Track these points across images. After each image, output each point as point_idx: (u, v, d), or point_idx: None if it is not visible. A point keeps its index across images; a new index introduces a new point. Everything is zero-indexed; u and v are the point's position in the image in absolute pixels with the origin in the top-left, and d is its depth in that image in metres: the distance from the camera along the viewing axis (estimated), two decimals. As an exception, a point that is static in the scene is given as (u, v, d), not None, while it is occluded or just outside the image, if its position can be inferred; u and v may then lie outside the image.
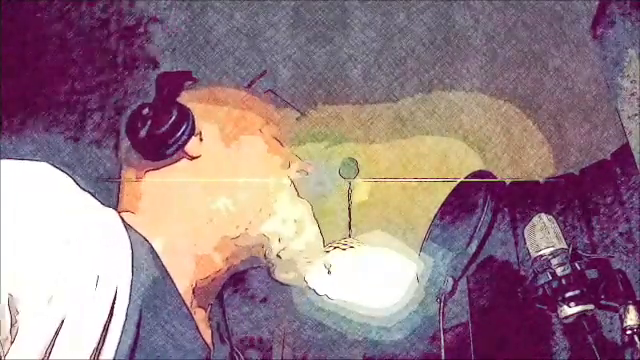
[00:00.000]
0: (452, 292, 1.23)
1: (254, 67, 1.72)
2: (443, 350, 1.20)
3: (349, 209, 1.94)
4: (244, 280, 2.03)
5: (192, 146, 0.95)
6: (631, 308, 1.10)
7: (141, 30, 1.66)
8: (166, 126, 0.92)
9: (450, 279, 1.23)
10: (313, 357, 2.12)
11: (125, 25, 1.64)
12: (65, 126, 1.73)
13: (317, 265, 1.87)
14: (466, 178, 1.34)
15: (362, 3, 1.66)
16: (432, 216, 1.36)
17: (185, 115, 0.94)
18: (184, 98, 0.99)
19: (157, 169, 0.95)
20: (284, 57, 1.73)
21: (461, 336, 1.93)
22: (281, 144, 1.04)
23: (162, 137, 0.92)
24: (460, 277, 1.25)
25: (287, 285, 1.03)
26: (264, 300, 2.08)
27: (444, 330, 1.20)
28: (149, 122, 0.93)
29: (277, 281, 1.01)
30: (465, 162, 1.94)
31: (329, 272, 1.84)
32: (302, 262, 1.00)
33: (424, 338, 2.08)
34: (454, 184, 1.36)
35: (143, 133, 0.93)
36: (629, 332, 1.09)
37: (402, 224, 2.06)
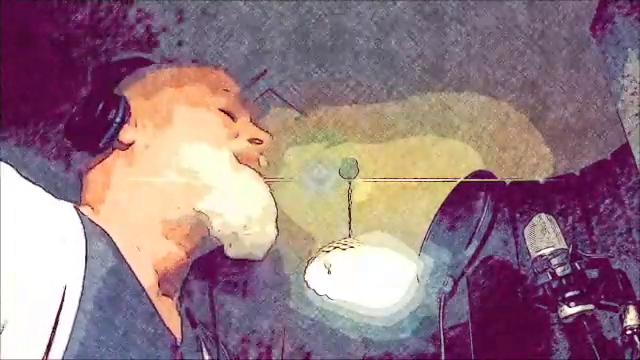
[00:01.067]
0: (452, 292, 1.23)
1: (254, 67, 1.72)
2: (443, 350, 1.20)
3: (349, 209, 1.94)
4: (244, 280, 2.03)
5: (125, 132, 0.95)
6: (631, 308, 1.11)
7: (141, 30, 1.66)
8: (95, 115, 0.93)
9: (450, 279, 1.23)
10: (313, 357, 2.12)
11: (125, 26, 1.64)
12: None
13: (317, 265, 1.87)
14: (466, 178, 1.34)
15: (362, 3, 1.66)
16: (432, 216, 1.36)
17: (115, 103, 0.95)
18: (126, 88, 0.99)
19: (100, 162, 0.96)
20: (284, 57, 1.73)
21: (461, 336, 1.93)
22: (230, 115, 1.02)
23: (93, 127, 0.93)
24: (460, 277, 1.25)
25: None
26: (264, 300, 2.08)
27: (444, 330, 1.20)
28: (78, 117, 0.94)
29: (229, 258, 0.98)
30: (465, 162, 1.94)
31: (329, 272, 1.84)
32: (244, 235, 0.95)
33: (424, 338, 2.08)
34: (454, 184, 1.36)
35: (75, 128, 0.94)
36: (629, 332, 1.09)
37: (402, 224, 2.06)
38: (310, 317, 2.10)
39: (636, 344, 1.08)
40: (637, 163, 1.42)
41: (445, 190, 1.39)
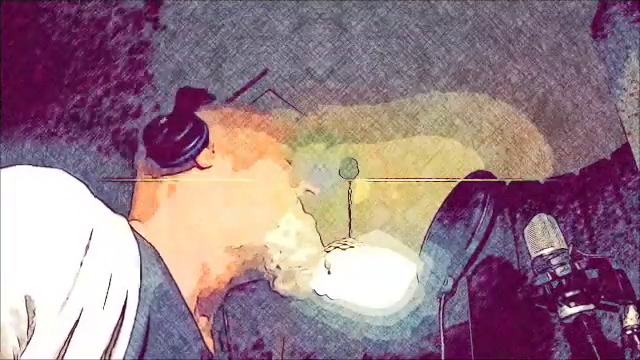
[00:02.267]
0: (452, 292, 1.23)
1: (254, 67, 1.72)
2: (443, 350, 1.20)
3: (349, 209, 1.94)
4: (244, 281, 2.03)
5: (204, 157, 1.00)
6: (631, 308, 1.10)
7: (142, 32, 1.66)
8: (180, 136, 0.98)
9: (450, 279, 1.23)
10: (313, 357, 2.12)
11: (127, 28, 1.64)
12: (68, 130, 1.73)
13: (317, 269, 1.87)
14: (466, 178, 1.34)
15: (362, 3, 1.66)
16: (432, 216, 1.36)
17: (200, 128, 1.00)
18: (204, 114, 1.04)
19: (170, 175, 1.00)
20: (284, 57, 1.73)
21: (461, 336, 1.93)
22: (289, 162, 1.10)
23: (176, 146, 0.98)
24: (460, 277, 1.25)
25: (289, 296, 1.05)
26: (264, 300, 2.08)
27: (444, 330, 1.20)
28: (165, 131, 0.99)
29: (277, 292, 1.04)
30: (465, 162, 1.94)
31: (329, 272, 1.84)
32: (300, 274, 1.02)
33: (424, 338, 2.08)
34: (454, 184, 1.36)
35: (158, 141, 0.99)
36: (629, 332, 1.09)
37: (402, 224, 2.06)
38: (310, 317, 2.10)
39: (636, 344, 1.08)
40: (637, 163, 1.42)
41: (445, 190, 1.38)
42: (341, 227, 2.01)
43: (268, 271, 1.01)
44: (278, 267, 1.01)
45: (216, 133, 1.02)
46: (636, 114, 1.43)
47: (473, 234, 1.23)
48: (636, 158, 1.42)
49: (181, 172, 0.99)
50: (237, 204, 1.00)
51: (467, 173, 1.37)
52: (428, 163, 1.97)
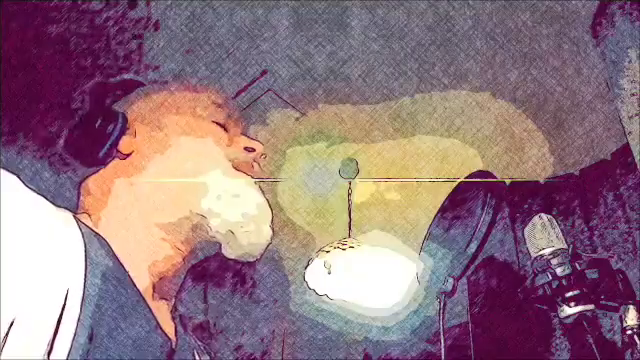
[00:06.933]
0: (452, 292, 1.23)
1: (254, 67, 1.72)
2: (443, 350, 1.20)
3: (349, 209, 1.94)
4: (244, 281, 2.03)
5: (124, 143, 1.00)
6: (631, 308, 1.10)
7: (141, 31, 1.66)
8: (94, 129, 0.99)
9: (450, 279, 1.23)
10: (313, 357, 2.12)
11: (125, 26, 1.64)
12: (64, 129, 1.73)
13: (317, 265, 1.87)
14: (466, 178, 1.34)
15: (362, 3, 1.66)
16: (432, 216, 1.36)
17: (113, 116, 1.01)
18: (125, 106, 1.06)
19: (96, 172, 1.01)
20: (284, 57, 1.73)
21: (461, 336, 1.93)
22: (223, 127, 1.07)
23: (92, 140, 0.99)
24: (460, 277, 1.25)
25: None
26: (264, 300, 2.08)
27: (444, 330, 1.20)
28: (77, 131, 1.01)
29: (228, 259, 1.02)
30: (465, 162, 1.94)
31: (329, 272, 1.84)
32: (240, 233, 1.00)
33: (424, 338, 2.08)
34: (454, 184, 1.36)
35: (76, 142, 1.01)
36: (629, 332, 1.09)
37: (402, 224, 2.06)
38: (310, 317, 2.10)
39: (636, 344, 1.08)
40: (637, 163, 1.42)
41: (445, 190, 1.38)
42: (341, 227, 2.01)
43: (212, 240, 0.99)
44: (218, 232, 0.99)
45: (136, 115, 1.03)
46: (636, 114, 1.43)
47: (473, 234, 1.23)
48: (636, 158, 1.42)
49: (108, 164, 1.00)
50: (165, 178, 0.99)
51: (467, 173, 1.37)
52: (428, 163, 1.97)
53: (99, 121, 1.00)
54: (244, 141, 1.10)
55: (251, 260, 1.04)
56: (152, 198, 0.98)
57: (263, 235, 1.02)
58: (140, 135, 1.02)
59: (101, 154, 0.99)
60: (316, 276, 1.85)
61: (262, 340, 2.08)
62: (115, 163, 1.01)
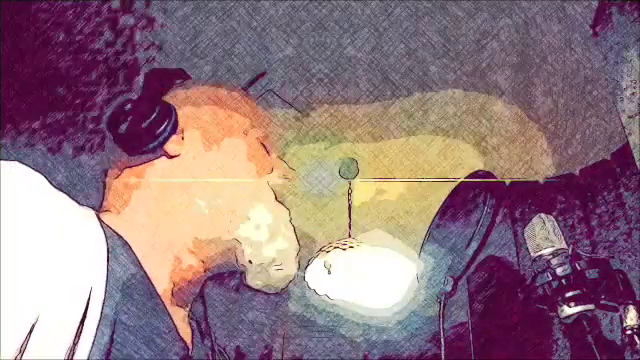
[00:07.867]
0: (452, 292, 1.23)
1: (254, 67, 1.72)
2: (443, 350, 1.20)
3: (349, 209, 1.94)
4: (244, 281, 2.03)
5: (172, 144, 0.95)
6: (631, 308, 1.10)
7: (140, 30, 1.66)
8: (147, 122, 0.93)
9: (450, 279, 1.23)
10: (313, 357, 2.12)
11: (124, 25, 1.64)
12: (64, 129, 1.73)
13: (317, 265, 1.87)
14: (466, 178, 1.34)
15: (362, 3, 1.66)
16: (432, 216, 1.36)
17: (168, 112, 0.95)
18: (173, 97, 1.00)
19: (136, 165, 0.95)
20: (284, 57, 1.73)
21: (461, 336, 1.93)
22: (266, 149, 1.04)
23: (142, 132, 0.93)
24: (460, 277, 1.25)
25: (259, 291, 1.02)
26: (264, 301, 2.08)
27: (444, 330, 1.20)
28: (130, 117, 0.93)
29: (249, 287, 1.00)
30: (465, 162, 1.94)
31: (329, 272, 1.84)
32: (273, 269, 0.98)
33: (424, 338, 2.08)
34: (454, 184, 1.36)
35: (124, 128, 0.93)
36: (629, 332, 1.09)
37: (402, 224, 2.06)
38: (310, 317, 2.10)
39: (636, 344, 1.08)
40: (637, 163, 1.42)
41: (445, 190, 1.38)
42: (341, 227, 2.01)
43: (240, 265, 0.98)
44: (250, 262, 0.97)
45: (186, 117, 0.97)
46: (636, 114, 1.43)
47: (473, 234, 1.23)
48: (636, 158, 1.42)
49: (149, 161, 0.95)
50: (207, 195, 0.95)
51: (467, 173, 1.37)
52: (428, 163, 1.97)
53: (155, 114, 0.93)
54: (282, 167, 1.05)
55: (273, 292, 1.02)
56: (192, 209, 0.95)
57: (290, 271, 1.00)
58: (188, 139, 0.97)
59: (146, 148, 0.94)
60: (316, 276, 1.85)
61: (262, 341, 2.08)
62: (155, 161, 0.96)
